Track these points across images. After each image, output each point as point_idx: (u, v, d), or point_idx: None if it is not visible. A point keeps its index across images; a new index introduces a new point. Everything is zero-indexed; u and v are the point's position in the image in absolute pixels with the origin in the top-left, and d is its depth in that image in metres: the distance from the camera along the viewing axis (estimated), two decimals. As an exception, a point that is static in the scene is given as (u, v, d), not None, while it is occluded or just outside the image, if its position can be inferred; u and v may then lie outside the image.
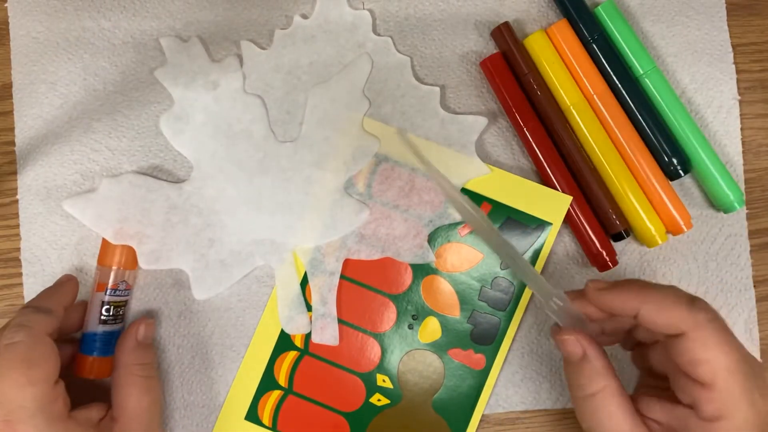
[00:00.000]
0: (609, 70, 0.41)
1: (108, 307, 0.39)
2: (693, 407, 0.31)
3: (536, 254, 0.41)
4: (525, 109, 0.41)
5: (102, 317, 0.39)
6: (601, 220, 0.41)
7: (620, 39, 0.41)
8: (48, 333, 0.35)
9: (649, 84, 0.41)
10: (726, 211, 0.41)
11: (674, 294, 0.31)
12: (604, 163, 0.40)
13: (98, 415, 0.36)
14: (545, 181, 0.41)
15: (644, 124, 0.41)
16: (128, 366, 0.37)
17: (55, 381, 0.34)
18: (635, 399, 0.33)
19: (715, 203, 0.41)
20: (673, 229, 0.41)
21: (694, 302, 0.31)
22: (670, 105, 0.41)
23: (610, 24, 0.41)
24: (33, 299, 0.37)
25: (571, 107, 0.41)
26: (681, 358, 0.30)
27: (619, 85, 0.41)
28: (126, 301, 0.40)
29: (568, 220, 0.41)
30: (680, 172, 0.41)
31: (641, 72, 0.41)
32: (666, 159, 0.40)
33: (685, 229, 0.40)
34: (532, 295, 0.41)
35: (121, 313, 0.40)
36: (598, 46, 0.41)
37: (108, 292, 0.39)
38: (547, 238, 0.41)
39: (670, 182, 0.41)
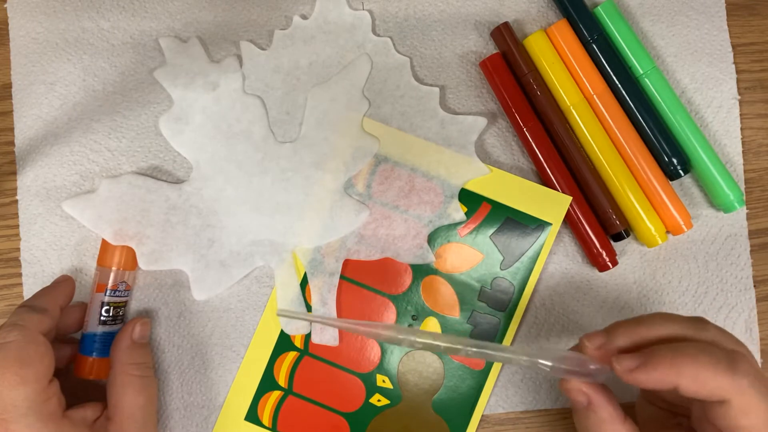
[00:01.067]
0: (609, 70, 0.41)
1: (108, 307, 0.39)
2: None
3: (536, 254, 0.41)
4: (525, 109, 0.41)
5: (102, 318, 0.39)
6: (601, 220, 0.41)
7: (620, 39, 0.41)
8: (42, 332, 0.35)
9: (649, 84, 0.41)
10: (726, 211, 0.41)
11: (711, 359, 0.29)
12: (604, 163, 0.40)
13: (93, 415, 0.36)
14: (545, 181, 0.41)
15: (644, 124, 0.40)
16: (124, 365, 0.37)
17: (48, 380, 0.34)
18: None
19: (715, 203, 0.41)
20: (673, 229, 0.41)
21: (735, 366, 0.29)
22: (670, 105, 0.41)
23: (609, 24, 0.41)
24: (28, 299, 0.37)
25: (571, 107, 0.41)
26: (721, 422, 0.29)
27: (619, 85, 0.41)
28: (126, 302, 0.40)
29: (568, 220, 0.41)
30: (680, 172, 0.41)
31: (641, 72, 0.41)
32: (666, 159, 0.40)
33: (685, 229, 0.40)
34: (532, 296, 0.42)
35: (120, 313, 0.40)
36: (598, 46, 0.41)
37: (107, 293, 0.39)
38: (547, 239, 0.41)
39: (670, 182, 0.41)
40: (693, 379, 0.29)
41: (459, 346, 0.33)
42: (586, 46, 0.41)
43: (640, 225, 0.40)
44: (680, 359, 0.29)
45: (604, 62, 0.41)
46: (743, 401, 0.28)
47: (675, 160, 0.40)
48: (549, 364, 0.32)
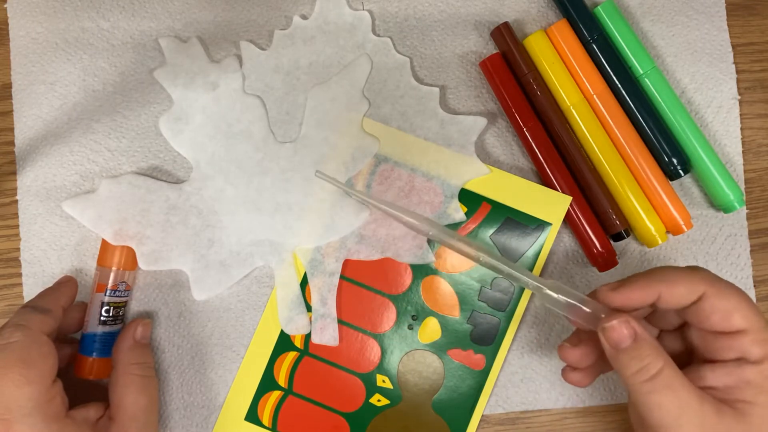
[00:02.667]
0: (609, 70, 0.41)
1: (108, 307, 0.39)
2: (741, 358, 0.31)
3: (536, 254, 0.41)
4: (525, 109, 0.41)
5: (102, 318, 0.39)
6: (601, 220, 0.41)
7: (620, 39, 0.41)
8: (46, 333, 0.35)
9: (649, 84, 0.41)
10: (726, 211, 0.41)
11: (679, 269, 0.33)
12: (604, 163, 0.40)
13: (96, 415, 0.36)
14: (545, 182, 0.41)
15: (644, 124, 0.40)
16: (126, 365, 0.38)
17: (52, 380, 0.34)
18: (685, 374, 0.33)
19: (715, 203, 0.41)
20: (673, 229, 0.41)
21: (693, 268, 0.33)
22: (670, 105, 0.41)
23: (609, 24, 0.41)
24: (31, 299, 0.37)
25: (571, 107, 0.41)
26: (713, 316, 0.31)
27: (619, 85, 0.41)
28: (126, 302, 0.40)
29: (568, 220, 0.41)
30: (680, 172, 0.41)
31: (641, 72, 0.41)
32: (666, 159, 0.40)
33: (685, 229, 0.40)
34: (532, 296, 0.42)
35: (120, 313, 0.40)
36: (598, 46, 0.41)
37: (107, 293, 0.39)
38: (547, 239, 0.41)
39: (670, 182, 0.41)
40: (670, 286, 0.32)
41: (478, 254, 0.37)
42: (586, 46, 0.41)
43: (640, 225, 0.40)
44: (654, 277, 0.33)
45: (604, 62, 0.41)
46: (718, 289, 0.32)
47: (675, 160, 0.40)
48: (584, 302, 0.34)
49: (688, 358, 0.35)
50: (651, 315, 0.36)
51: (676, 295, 0.32)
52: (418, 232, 0.40)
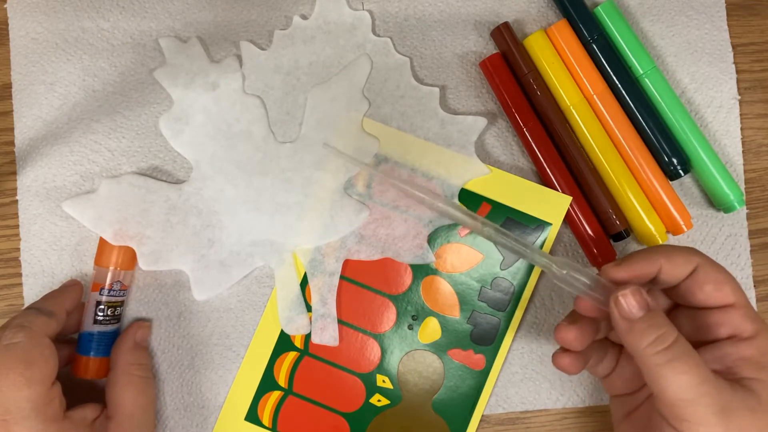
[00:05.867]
0: (609, 70, 0.41)
1: (103, 307, 0.39)
2: (734, 335, 0.32)
3: (536, 254, 0.41)
4: (525, 109, 0.41)
5: (97, 317, 0.39)
6: (601, 220, 0.41)
7: (620, 39, 0.41)
8: (48, 335, 0.35)
9: (649, 84, 0.41)
10: (726, 211, 0.41)
11: (672, 245, 0.35)
12: (604, 163, 0.40)
13: (93, 415, 0.36)
14: (545, 182, 0.41)
15: (644, 124, 0.40)
16: (126, 365, 0.38)
17: (52, 383, 0.34)
18: None
19: (716, 203, 0.41)
20: (673, 229, 0.41)
21: (688, 247, 0.34)
22: (670, 105, 0.41)
23: (609, 24, 0.41)
24: (36, 301, 0.38)
25: (571, 107, 0.41)
26: (706, 286, 0.33)
27: (619, 85, 0.41)
28: (122, 302, 0.40)
29: (568, 220, 0.41)
30: (680, 172, 0.41)
31: (641, 72, 0.41)
32: (666, 159, 0.40)
33: (685, 229, 0.40)
34: (532, 295, 0.42)
35: (117, 313, 0.40)
36: (598, 46, 0.41)
37: (102, 292, 0.39)
38: (547, 239, 0.41)
39: (670, 182, 0.41)
40: (667, 258, 0.33)
41: (485, 228, 0.38)
42: (586, 46, 0.41)
43: (640, 225, 0.40)
44: (652, 250, 0.34)
45: (604, 62, 0.41)
46: (707, 261, 0.33)
47: (675, 160, 0.40)
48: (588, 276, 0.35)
49: None
50: None
51: (674, 266, 0.33)
52: (428, 207, 0.40)
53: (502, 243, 0.37)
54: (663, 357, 0.30)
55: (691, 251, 0.34)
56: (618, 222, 0.40)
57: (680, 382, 0.29)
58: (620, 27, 0.41)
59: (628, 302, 0.31)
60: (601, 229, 0.41)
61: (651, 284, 0.34)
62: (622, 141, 0.40)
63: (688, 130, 0.41)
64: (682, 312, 0.35)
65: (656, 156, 0.41)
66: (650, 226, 0.40)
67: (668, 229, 0.41)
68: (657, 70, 0.41)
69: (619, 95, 0.41)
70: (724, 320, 0.33)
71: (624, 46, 0.41)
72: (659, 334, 0.30)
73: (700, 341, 0.33)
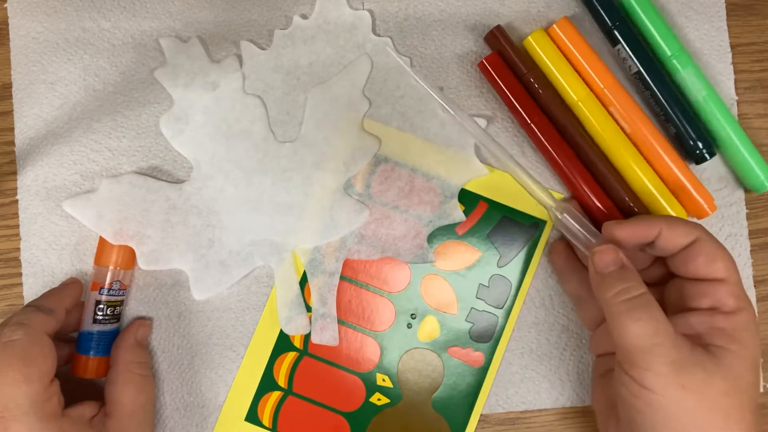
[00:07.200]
0: (632, 55, 0.40)
1: (102, 306, 0.39)
2: (714, 308, 0.33)
3: (532, 251, 0.41)
4: (529, 105, 0.40)
5: (96, 316, 0.39)
6: (619, 209, 0.40)
7: (647, 21, 0.40)
8: (47, 333, 0.35)
9: (677, 65, 0.41)
10: (757, 191, 0.41)
11: (674, 216, 0.36)
12: (618, 153, 0.40)
13: (91, 413, 0.37)
14: (558, 175, 0.41)
15: (669, 108, 0.40)
16: (126, 363, 0.38)
17: (50, 380, 0.34)
18: None
19: (745, 183, 0.42)
20: (697, 213, 0.41)
21: (689, 221, 0.35)
22: (699, 86, 0.41)
23: (635, 6, 0.41)
24: (36, 299, 0.38)
25: (579, 102, 0.40)
26: (699, 258, 0.33)
27: (642, 70, 0.40)
28: (121, 301, 0.40)
29: (586, 210, 0.40)
30: (706, 155, 0.41)
31: (669, 54, 0.40)
32: (691, 143, 0.40)
33: (709, 212, 0.40)
34: (531, 295, 0.42)
35: (116, 312, 0.40)
36: (620, 31, 0.40)
37: (102, 292, 0.39)
38: (542, 236, 0.41)
39: (689, 168, 0.41)
40: (669, 225, 0.34)
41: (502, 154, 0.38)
42: (608, 33, 0.41)
43: (660, 210, 0.40)
44: (656, 216, 0.35)
45: (626, 48, 0.40)
46: (708, 236, 0.34)
47: (701, 144, 0.40)
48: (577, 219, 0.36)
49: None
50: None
51: (674, 234, 0.34)
52: (458, 121, 0.39)
53: (512, 171, 0.38)
54: (624, 305, 0.32)
55: (695, 225, 0.34)
56: (636, 209, 0.40)
57: (636, 329, 0.31)
58: (646, 9, 0.41)
59: (604, 258, 0.33)
60: (623, 218, 0.40)
61: (650, 249, 0.36)
62: (639, 130, 0.40)
63: (717, 111, 0.41)
64: (675, 282, 0.36)
65: (681, 140, 0.41)
66: (670, 211, 0.40)
67: (691, 213, 0.41)
68: (684, 51, 0.41)
69: (644, 81, 0.41)
70: (708, 292, 0.33)
71: (651, 28, 0.41)
72: (625, 286, 0.32)
73: (681, 308, 0.34)
